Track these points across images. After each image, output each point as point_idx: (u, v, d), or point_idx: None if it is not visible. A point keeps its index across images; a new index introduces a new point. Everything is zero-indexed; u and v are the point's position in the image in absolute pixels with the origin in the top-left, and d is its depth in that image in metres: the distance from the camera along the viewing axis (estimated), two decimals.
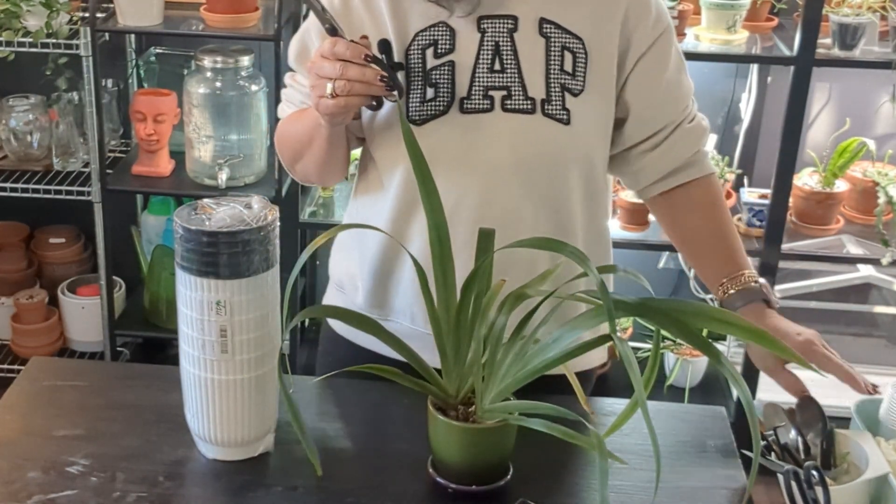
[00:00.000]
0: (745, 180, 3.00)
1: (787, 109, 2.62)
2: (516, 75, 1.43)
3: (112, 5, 2.75)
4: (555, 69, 1.43)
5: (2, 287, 3.18)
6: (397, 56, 1.42)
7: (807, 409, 2.53)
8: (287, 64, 1.58)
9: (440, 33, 1.43)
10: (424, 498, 1.29)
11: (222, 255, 1.23)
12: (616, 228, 2.82)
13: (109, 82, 3.05)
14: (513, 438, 1.29)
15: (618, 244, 2.76)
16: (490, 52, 1.42)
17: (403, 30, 1.43)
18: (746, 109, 3.01)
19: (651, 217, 2.82)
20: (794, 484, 2.38)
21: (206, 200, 1.29)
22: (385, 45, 1.38)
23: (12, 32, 2.65)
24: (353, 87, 1.30)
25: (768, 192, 2.75)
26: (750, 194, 2.84)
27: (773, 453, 2.46)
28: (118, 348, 3.09)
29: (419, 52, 1.43)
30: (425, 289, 1.27)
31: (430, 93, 1.43)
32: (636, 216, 2.80)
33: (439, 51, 1.43)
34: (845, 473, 2.54)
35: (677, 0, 2.65)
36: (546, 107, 1.43)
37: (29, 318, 3.12)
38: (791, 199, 2.73)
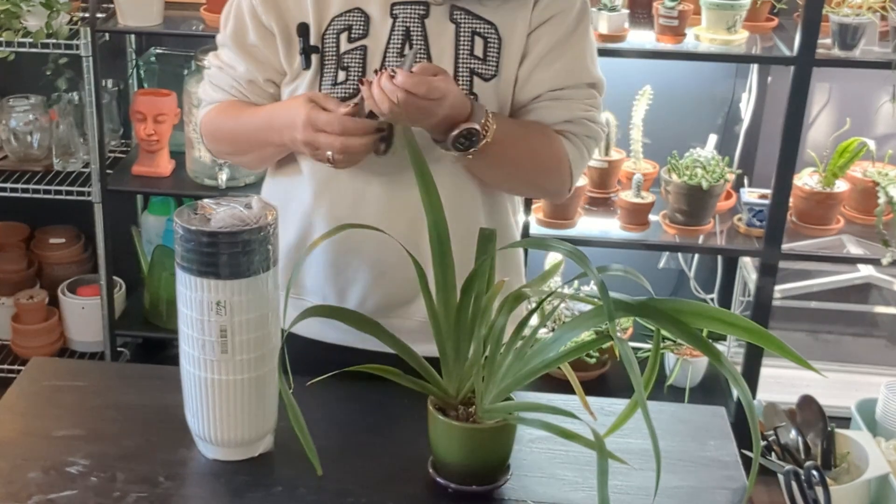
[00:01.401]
0: (745, 180, 3.00)
1: (787, 109, 2.62)
2: (425, 60, 1.46)
3: (112, 5, 2.75)
4: (464, 54, 1.46)
5: (2, 287, 3.18)
6: (314, 39, 1.47)
7: (807, 409, 2.51)
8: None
9: (355, 19, 1.47)
10: (424, 498, 1.29)
11: (222, 255, 1.23)
12: (616, 228, 2.82)
13: (109, 82, 3.05)
14: (513, 438, 1.29)
15: (618, 244, 2.81)
16: (400, 38, 1.46)
17: (322, 14, 1.48)
18: (746, 109, 3.00)
19: (651, 217, 2.82)
20: (794, 484, 2.38)
21: (206, 200, 1.29)
22: (303, 29, 1.46)
23: (12, 33, 2.65)
24: (351, 157, 1.40)
25: (768, 192, 2.75)
26: (750, 194, 2.84)
27: (773, 453, 2.46)
28: (118, 348, 3.09)
29: (334, 36, 1.47)
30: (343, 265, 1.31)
31: (341, 76, 1.47)
32: (636, 216, 2.80)
33: (353, 35, 1.47)
34: (845, 473, 2.54)
35: (677, 0, 2.65)
36: None
37: (29, 318, 3.12)
38: (791, 199, 2.73)
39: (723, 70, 3.03)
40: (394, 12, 1.46)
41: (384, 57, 1.46)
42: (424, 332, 1.35)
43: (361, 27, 1.47)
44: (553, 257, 2.95)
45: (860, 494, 2.45)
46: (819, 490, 2.23)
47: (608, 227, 2.82)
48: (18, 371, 2.10)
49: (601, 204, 2.90)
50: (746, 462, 1.31)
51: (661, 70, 2.93)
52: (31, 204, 2.93)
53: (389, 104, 1.32)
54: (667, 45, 2.68)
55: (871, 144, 2.79)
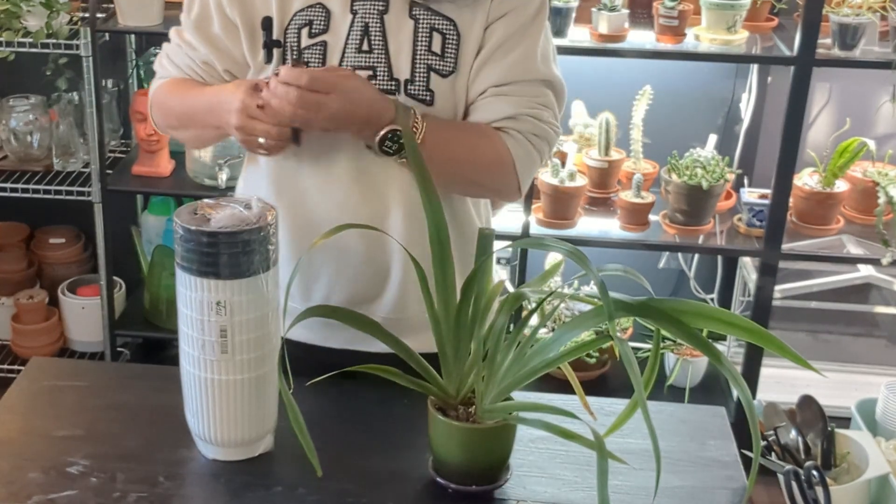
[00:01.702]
0: (745, 180, 3.00)
1: (787, 109, 2.62)
2: (383, 56, 1.47)
3: (112, 5, 2.75)
4: (422, 50, 1.46)
5: (2, 287, 3.18)
6: (276, 34, 1.48)
7: (807, 409, 2.51)
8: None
9: (316, 14, 1.48)
10: (424, 498, 1.29)
11: (222, 255, 1.23)
12: (616, 228, 2.82)
13: (109, 82, 3.05)
14: (513, 438, 1.29)
15: (618, 244, 2.81)
16: (359, 33, 1.47)
17: (285, 9, 1.49)
18: (746, 109, 3.01)
19: (651, 217, 2.82)
20: (794, 484, 2.38)
21: (206, 200, 1.29)
22: (267, 23, 1.47)
23: (12, 32, 2.65)
24: (279, 144, 1.42)
25: (768, 192, 2.75)
26: (750, 194, 2.84)
27: (773, 453, 2.45)
28: (118, 348, 3.09)
29: (296, 31, 1.49)
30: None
31: None
32: (636, 216, 2.80)
33: (314, 31, 1.48)
34: (845, 473, 2.54)
35: (677, 0, 2.65)
36: (409, 87, 1.47)
37: (29, 318, 3.12)
38: (791, 199, 2.73)
39: (723, 70, 3.03)
40: (354, 8, 1.47)
41: (343, 52, 1.47)
42: (391, 329, 1.35)
43: (322, 22, 1.48)
44: (553, 257, 2.95)
45: (860, 494, 2.45)
46: (819, 490, 2.23)
47: (608, 227, 2.82)
48: (18, 371, 2.10)
49: (601, 204, 2.90)
50: (746, 462, 1.31)
51: (661, 70, 2.93)
52: (31, 204, 2.93)
53: (278, 101, 1.35)
54: (667, 45, 2.68)
55: (871, 144, 2.79)
